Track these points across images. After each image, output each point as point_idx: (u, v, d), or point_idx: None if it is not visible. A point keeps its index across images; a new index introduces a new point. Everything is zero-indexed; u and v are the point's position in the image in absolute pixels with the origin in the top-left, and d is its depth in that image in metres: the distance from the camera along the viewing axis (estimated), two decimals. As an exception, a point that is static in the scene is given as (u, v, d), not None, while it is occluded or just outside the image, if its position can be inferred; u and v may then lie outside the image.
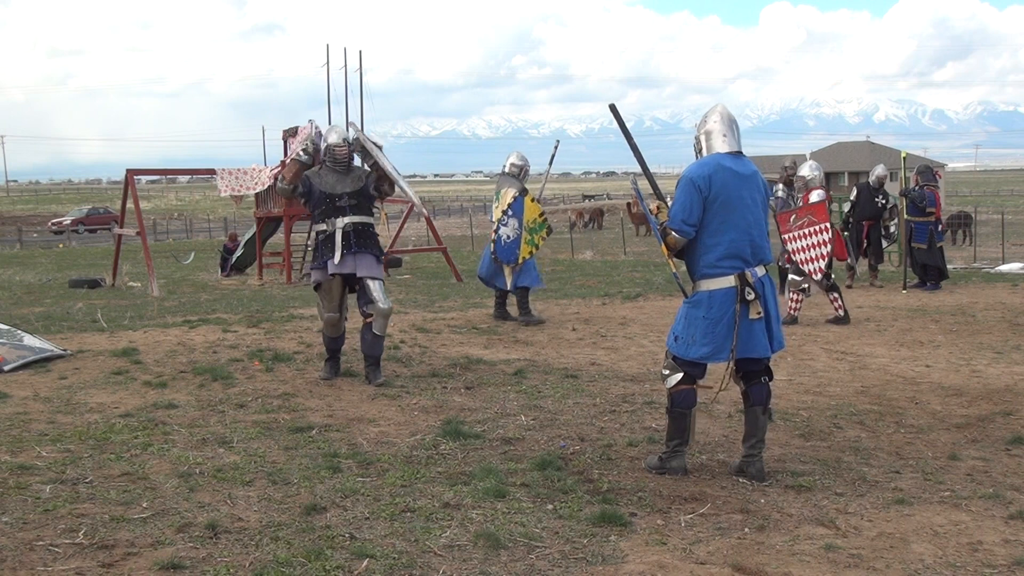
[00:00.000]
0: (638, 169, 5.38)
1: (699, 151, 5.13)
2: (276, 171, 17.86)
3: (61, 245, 37.80)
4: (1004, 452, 5.48)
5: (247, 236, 20.89)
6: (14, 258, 28.97)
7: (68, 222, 48.54)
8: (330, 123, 21.89)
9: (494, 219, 10.46)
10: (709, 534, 4.22)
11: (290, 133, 18.48)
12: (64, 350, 8.64)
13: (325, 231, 7.35)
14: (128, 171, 17.67)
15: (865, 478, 4.99)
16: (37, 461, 5.32)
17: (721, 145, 5.03)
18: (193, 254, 27.09)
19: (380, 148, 7.53)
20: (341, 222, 7.29)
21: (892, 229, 14.76)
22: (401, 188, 7.62)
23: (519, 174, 10.70)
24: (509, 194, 10.40)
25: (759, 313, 4.89)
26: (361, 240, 7.34)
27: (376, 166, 7.44)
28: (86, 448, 5.60)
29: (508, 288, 10.58)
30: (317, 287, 7.49)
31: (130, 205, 18.01)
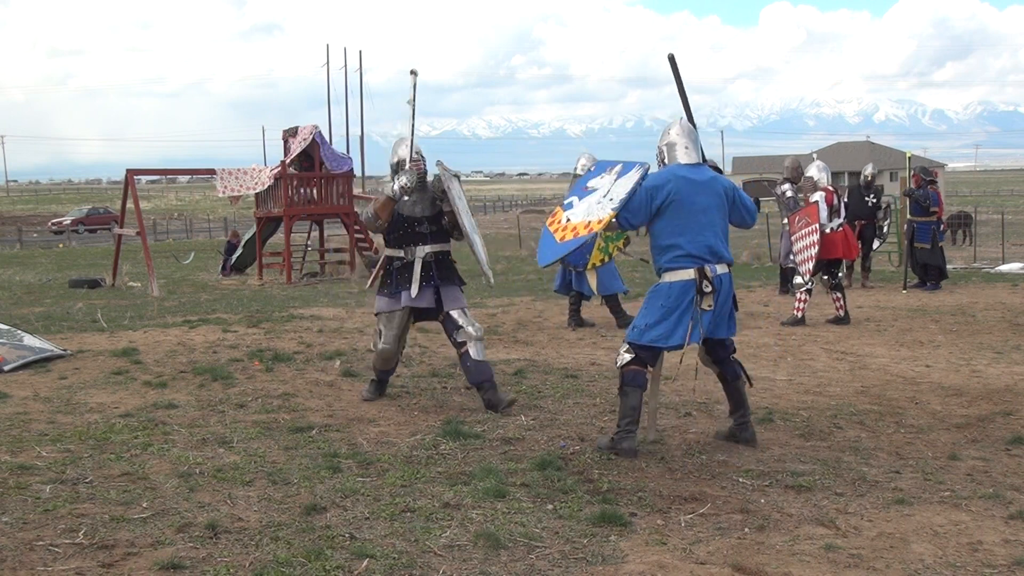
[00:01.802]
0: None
1: (662, 161, 5.57)
2: (276, 171, 17.88)
3: (61, 245, 37.80)
4: (1004, 452, 5.48)
5: (247, 236, 20.89)
6: (14, 258, 28.97)
7: (68, 222, 48.50)
8: (330, 123, 21.87)
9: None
10: (709, 534, 4.22)
11: (290, 133, 18.49)
12: (64, 350, 8.64)
13: (402, 259, 6.59)
14: (128, 171, 17.68)
15: (865, 478, 4.99)
16: (37, 461, 5.32)
17: (683, 157, 5.49)
18: (193, 254, 27.09)
19: (458, 178, 6.74)
20: (421, 251, 6.55)
21: (885, 229, 14.75)
22: (472, 247, 6.66)
23: None
24: None
25: (710, 306, 5.31)
26: (443, 271, 6.62)
27: (452, 214, 6.59)
28: (86, 448, 5.60)
29: (595, 293, 10.40)
30: (378, 313, 6.78)
31: (130, 205, 18.02)
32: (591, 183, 5.70)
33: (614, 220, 5.38)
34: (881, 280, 15.07)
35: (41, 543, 4.11)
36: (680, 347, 5.40)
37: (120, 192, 20.80)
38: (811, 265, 10.45)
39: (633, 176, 5.40)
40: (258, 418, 6.36)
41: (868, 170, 14.68)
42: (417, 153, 6.62)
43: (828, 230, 10.62)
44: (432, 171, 6.69)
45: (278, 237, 20.04)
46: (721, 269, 5.37)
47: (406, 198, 6.55)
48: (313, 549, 3.99)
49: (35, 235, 46.40)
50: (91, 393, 7.12)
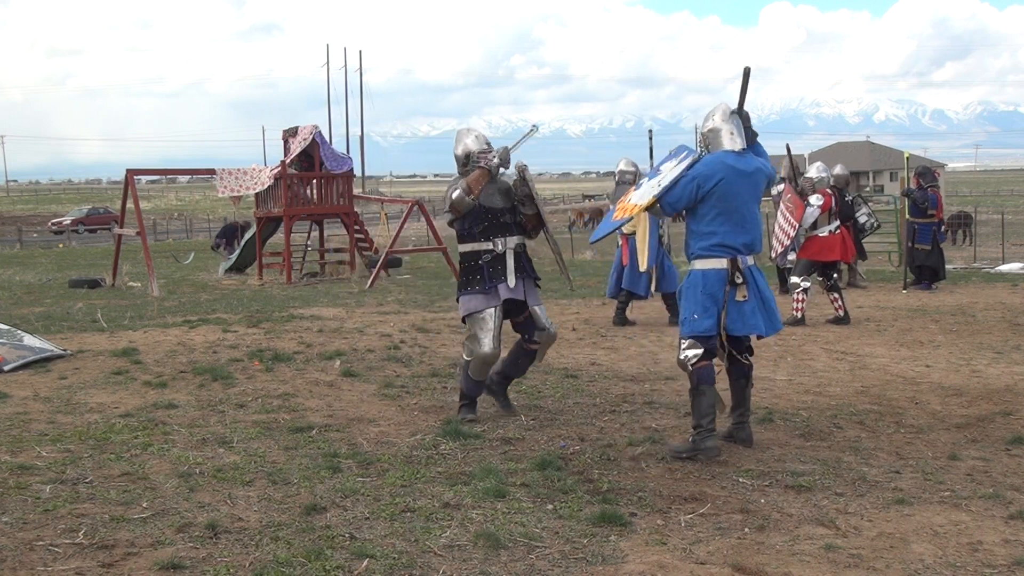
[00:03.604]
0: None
1: (705, 147, 5.47)
2: (276, 171, 17.87)
3: (61, 245, 37.79)
4: (1004, 452, 5.48)
5: (247, 236, 20.87)
6: (14, 258, 28.96)
7: (68, 222, 48.47)
8: (330, 123, 21.81)
9: (624, 230, 10.28)
10: (709, 534, 4.22)
11: (290, 133, 18.48)
12: (64, 350, 8.64)
13: (491, 251, 6.19)
14: (128, 171, 17.67)
15: (865, 478, 4.99)
16: (37, 461, 5.32)
17: (728, 143, 5.38)
18: (193, 254, 27.08)
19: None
20: (511, 241, 6.23)
21: (862, 220, 14.64)
22: (554, 249, 6.53)
23: (633, 180, 10.74)
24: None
25: (744, 296, 5.31)
26: (528, 264, 6.35)
27: (536, 216, 6.32)
28: (86, 448, 5.60)
29: (651, 293, 10.58)
30: (467, 317, 6.30)
31: (130, 205, 18.01)
32: (663, 166, 5.62)
33: (658, 205, 5.42)
34: (881, 280, 15.07)
35: (41, 543, 4.11)
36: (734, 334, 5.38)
37: (120, 192, 20.79)
38: (778, 248, 11.17)
39: (682, 164, 5.34)
40: (258, 418, 6.36)
41: (838, 170, 14.59)
42: (488, 144, 6.38)
43: (826, 232, 10.72)
44: (508, 171, 6.38)
45: (278, 237, 20.03)
46: (750, 261, 5.39)
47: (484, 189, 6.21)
48: (313, 549, 3.99)
49: (35, 235, 46.39)
50: (91, 393, 7.13)
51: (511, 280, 6.16)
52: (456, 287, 6.46)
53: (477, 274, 6.22)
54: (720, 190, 5.26)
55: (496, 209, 6.26)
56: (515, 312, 6.36)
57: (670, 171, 5.46)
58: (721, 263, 5.30)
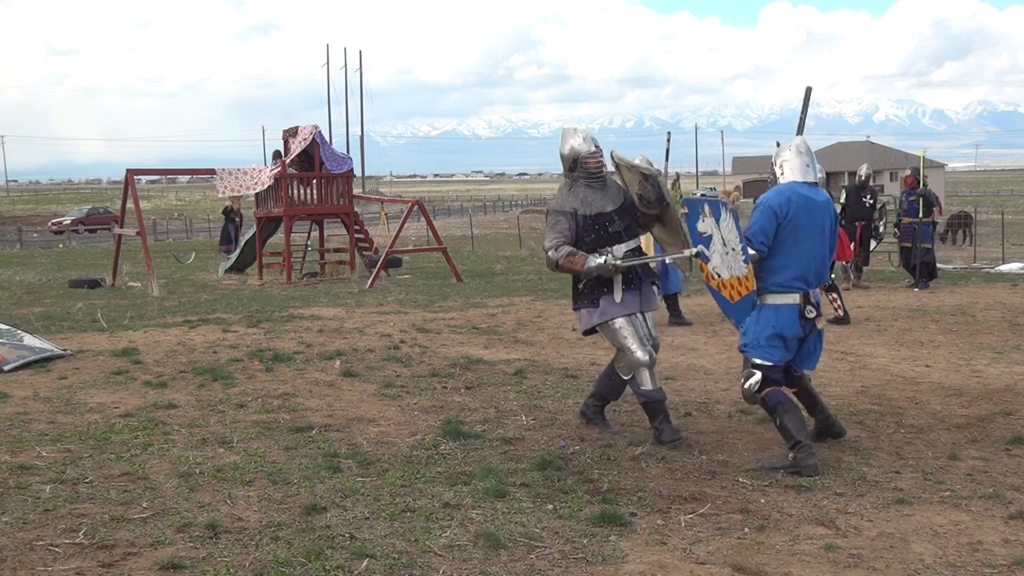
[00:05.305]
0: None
1: (776, 178, 5.46)
2: (276, 171, 17.87)
3: (61, 245, 37.76)
4: (1004, 452, 5.48)
5: (247, 236, 20.87)
6: (14, 258, 28.94)
7: (68, 222, 48.46)
8: (330, 123, 21.71)
9: None
10: (709, 534, 4.22)
11: (290, 133, 18.48)
12: (64, 350, 8.64)
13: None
14: (128, 171, 17.67)
15: (865, 478, 4.99)
16: (37, 461, 5.32)
17: (801, 175, 5.36)
18: (194, 254, 27.08)
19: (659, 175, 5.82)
20: (620, 251, 5.71)
21: (881, 229, 14.74)
22: (684, 238, 5.89)
23: None
24: None
25: (812, 329, 5.30)
26: (645, 269, 5.87)
27: (657, 216, 5.87)
28: (86, 448, 5.60)
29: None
30: (601, 328, 5.82)
31: (130, 205, 18.01)
32: (700, 228, 5.50)
33: (751, 251, 5.22)
34: (881, 280, 15.07)
35: (41, 543, 4.11)
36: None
37: (120, 192, 20.79)
38: None
39: (729, 219, 5.25)
40: (258, 418, 6.36)
41: (863, 170, 14.69)
42: (596, 146, 5.84)
43: None
44: (610, 165, 5.94)
45: (278, 237, 20.02)
46: (818, 293, 5.34)
47: (590, 197, 5.74)
48: (313, 549, 3.99)
49: (35, 235, 46.36)
50: (91, 393, 7.13)
51: (617, 295, 5.70)
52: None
53: (595, 285, 5.77)
54: (793, 219, 5.19)
55: (605, 215, 5.74)
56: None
57: (728, 229, 5.28)
58: (794, 298, 5.21)
